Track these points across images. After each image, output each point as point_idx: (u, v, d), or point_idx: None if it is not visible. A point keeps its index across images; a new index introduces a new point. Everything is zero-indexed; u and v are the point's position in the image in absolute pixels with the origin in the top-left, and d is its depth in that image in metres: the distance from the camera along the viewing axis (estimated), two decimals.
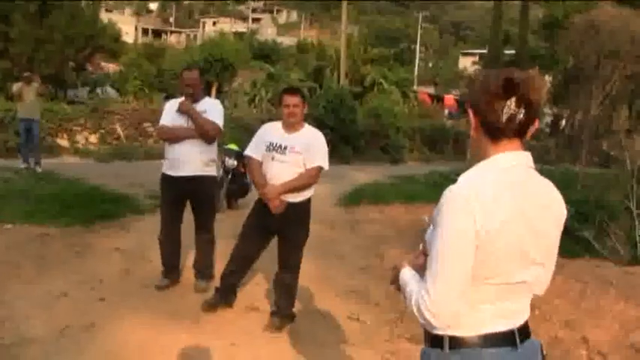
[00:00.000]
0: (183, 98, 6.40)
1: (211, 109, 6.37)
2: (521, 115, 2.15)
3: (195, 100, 6.34)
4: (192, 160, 6.26)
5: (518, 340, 2.22)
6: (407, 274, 2.37)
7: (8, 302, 5.86)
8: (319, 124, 5.51)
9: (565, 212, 2.33)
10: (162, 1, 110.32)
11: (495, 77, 2.19)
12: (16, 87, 14.42)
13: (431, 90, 55.75)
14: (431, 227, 2.31)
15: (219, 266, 6.21)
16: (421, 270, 2.36)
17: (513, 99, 2.14)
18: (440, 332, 2.20)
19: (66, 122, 21.09)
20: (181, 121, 6.30)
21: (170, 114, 6.41)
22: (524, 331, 2.26)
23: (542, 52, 36.27)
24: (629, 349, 5.17)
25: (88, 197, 10.59)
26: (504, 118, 2.16)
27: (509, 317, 2.24)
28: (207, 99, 6.59)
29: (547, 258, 2.29)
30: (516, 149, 2.22)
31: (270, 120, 6.41)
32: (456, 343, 2.20)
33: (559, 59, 31.04)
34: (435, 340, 2.24)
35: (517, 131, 2.20)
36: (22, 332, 5.22)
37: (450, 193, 2.13)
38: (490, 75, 2.23)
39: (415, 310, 2.16)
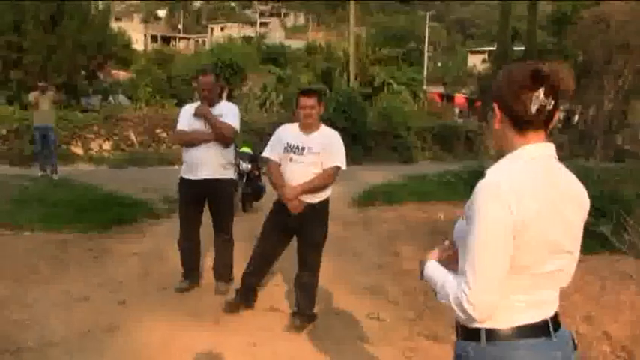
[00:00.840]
0: (198, 103, 6.46)
1: (227, 112, 6.42)
2: (551, 106, 2.18)
3: (212, 104, 6.39)
4: (209, 163, 6.31)
5: (552, 330, 2.25)
6: (434, 266, 2.39)
7: (31, 306, 5.93)
8: (330, 126, 5.59)
9: (589, 203, 2.35)
10: (172, 1, 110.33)
11: (521, 69, 2.21)
12: (32, 96, 14.66)
13: (440, 89, 55.65)
14: (460, 221, 2.34)
15: (238, 268, 6.25)
16: (451, 263, 2.39)
17: (542, 89, 2.17)
18: (476, 325, 2.21)
19: (80, 130, 21.26)
20: (198, 125, 6.36)
21: (187, 118, 6.46)
22: (555, 321, 2.28)
23: (551, 48, 36.11)
24: None
25: (103, 203, 10.67)
26: (534, 109, 2.18)
27: (542, 307, 2.26)
28: (223, 102, 6.64)
29: (575, 247, 2.31)
30: (542, 140, 2.25)
31: (281, 123, 6.44)
32: (492, 335, 2.21)
33: (568, 54, 30.90)
34: (470, 333, 2.25)
35: (543, 122, 2.22)
36: (45, 335, 5.28)
37: (486, 186, 2.14)
38: (514, 68, 2.25)
39: (454, 303, 2.17)
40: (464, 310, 2.13)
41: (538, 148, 2.24)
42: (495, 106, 2.26)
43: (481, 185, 2.15)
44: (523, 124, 2.22)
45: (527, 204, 2.11)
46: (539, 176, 2.19)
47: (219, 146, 6.33)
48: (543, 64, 2.21)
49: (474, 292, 2.10)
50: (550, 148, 2.27)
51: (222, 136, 6.29)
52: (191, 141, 6.37)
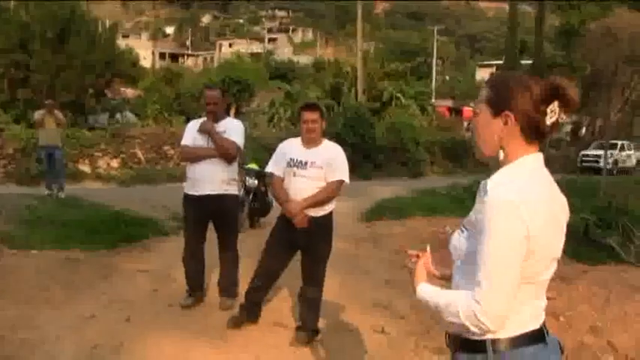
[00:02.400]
0: (204, 118, 6.50)
1: (231, 128, 6.45)
2: (563, 119, 2.24)
3: (216, 120, 6.42)
4: (213, 179, 6.33)
5: (546, 335, 2.29)
6: (428, 289, 2.40)
7: (38, 325, 5.93)
8: (339, 141, 5.63)
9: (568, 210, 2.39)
10: (181, 5, 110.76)
11: (536, 82, 2.25)
12: (37, 115, 14.64)
13: (449, 103, 55.70)
14: (460, 233, 2.36)
15: (244, 284, 6.25)
16: (439, 267, 2.42)
17: (556, 103, 2.22)
18: (481, 337, 2.22)
19: (87, 148, 21.38)
20: (202, 141, 6.38)
21: (191, 134, 6.49)
22: (545, 327, 2.32)
23: (559, 61, 36.15)
24: None
25: (112, 221, 10.70)
26: (550, 122, 2.24)
27: (539, 315, 2.31)
28: (228, 119, 6.67)
29: (560, 254, 2.34)
30: (538, 150, 2.30)
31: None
32: (498, 345, 2.22)
33: (576, 67, 30.93)
34: (475, 346, 2.26)
35: (549, 134, 2.29)
36: (53, 355, 5.29)
37: (502, 203, 2.15)
38: (527, 79, 2.28)
39: (465, 317, 2.17)
40: (477, 323, 2.14)
41: (537, 159, 2.29)
42: (511, 115, 2.26)
43: (495, 200, 2.16)
44: (536, 135, 2.26)
45: (536, 217, 2.14)
46: (543, 188, 2.24)
47: (222, 162, 6.35)
48: (553, 78, 2.26)
49: (489, 303, 2.11)
50: (542, 158, 2.31)
51: (225, 153, 6.31)
52: (194, 157, 6.40)
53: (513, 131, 2.27)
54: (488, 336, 2.21)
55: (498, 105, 2.29)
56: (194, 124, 6.59)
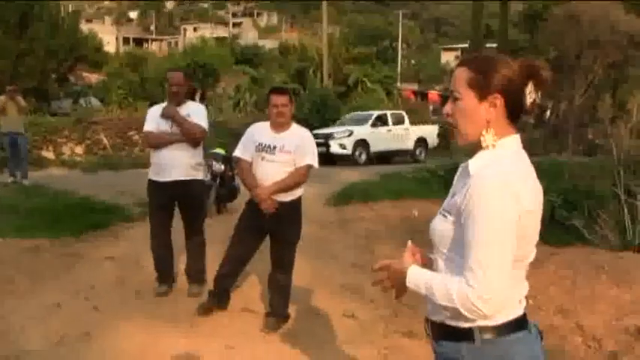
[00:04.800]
0: (166, 104, 6.41)
1: (195, 112, 6.40)
2: (538, 99, 2.22)
3: (179, 104, 6.35)
4: (179, 164, 6.27)
5: (529, 322, 2.27)
6: (418, 272, 2.30)
7: (3, 316, 5.85)
8: (305, 126, 5.61)
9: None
10: (145, 1, 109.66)
11: (517, 64, 2.23)
12: None
13: (414, 86, 55.89)
14: (442, 218, 2.30)
15: (212, 270, 6.20)
16: (425, 266, 2.37)
17: (531, 83, 2.21)
18: (468, 324, 2.17)
19: (51, 134, 21.12)
20: (166, 126, 6.31)
21: (154, 119, 6.41)
22: (526, 312, 2.30)
23: (524, 45, 36.39)
24: (624, 333, 5.21)
25: (77, 208, 10.55)
26: (529, 102, 2.22)
27: (523, 300, 2.29)
28: (190, 103, 6.59)
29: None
30: (515, 132, 2.28)
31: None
32: (486, 333, 2.18)
33: (540, 50, 31.15)
34: (462, 334, 2.21)
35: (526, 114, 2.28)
36: (19, 345, 5.21)
37: (494, 177, 2.11)
38: (509, 60, 2.26)
39: (459, 301, 2.08)
40: (472, 308, 2.06)
41: (516, 140, 2.27)
42: (499, 97, 2.21)
43: (485, 177, 2.12)
44: (519, 114, 2.25)
45: (525, 197, 2.11)
46: (526, 169, 2.22)
47: (188, 147, 6.30)
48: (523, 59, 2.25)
49: (483, 286, 2.04)
50: (519, 140, 2.29)
51: (191, 136, 6.25)
52: (160, 142, 6.32)
53: (499, 114, 2.23)
54: (477, 323, 2.16)
55: (485, 87, 2.23)
56: (156, 110, 6.51)
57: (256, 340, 5.48)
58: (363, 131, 23.70)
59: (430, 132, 26.56)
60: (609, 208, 8.78)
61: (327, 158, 20.47)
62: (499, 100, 2.22)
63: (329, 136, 22.47)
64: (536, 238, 2.24)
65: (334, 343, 5.54)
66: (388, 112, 26.38)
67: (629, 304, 5.59)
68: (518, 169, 2.17)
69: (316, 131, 20.30)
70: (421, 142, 25.99)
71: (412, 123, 26.13)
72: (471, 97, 2.26)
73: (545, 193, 2.37)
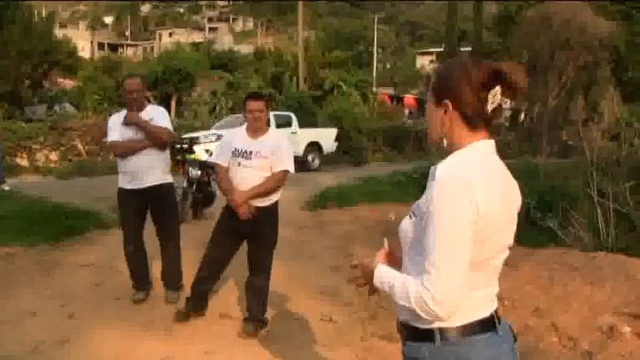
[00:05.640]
0: (126, 111, 6.37)
1: (157, 115, 6.36)
2: (506, 104, 2.23)
3: (140, 109, 6.31)
4: (150, 169, 6.24)
5: (497, 323, 2.28)
6: (385, 270, 2.34)
7: None
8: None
9: (520, 198, 2.39)
10: (121, 1, 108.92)
11: (478, 67, 2.24)
12: None
13: (390, 90, 56.03)
14: (409, 218, 2.33)
15: (189, 275, 6.19)
16: (394, 265, 2.39)
17: (498, 88, 2.21)
18: (429, 325, 2.19)
19: (24, 141, 20.91)
20: (130, 133, 6.26)
21: (117, 128, 6.34)
22: (497, 314, 2.31)
23: (498, 47, 36.65)
24: (598, 331, 5.26)
25: (51, 214, 10.45)
26: (491, 107, 2.23)
27: (490, 302, 2.30)
28: (149, 106, 6.54)
29: (512, 241, 2.34)
30: (487, 137, 2.29)
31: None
32: (446, 334, 2.20)
33: (514, 53, 31.40)
34: (423, 334, 2.23)
35: (492, 119, 2.27)
36: None
37: (447, 182, 2.13)
38: (469, 65, 2.27)
39: (415, 303, 2.11)
40: (427, 309, 2.08)
41: (486, 145, 2.28)
42: (448, 103, 2.26)
43: (443, 181, 2.14)
44: (478, 121, 2.25)
45: (488, 199, 2.12)
46: (493, 172, 2.23)
47: (156, 151, 6.27)
48: (496, 63, 2.25)
49: (439, 289, 2.06)
50: (492, 145, 2.30)
51: (159, 140, 6.23)
52: (128, 150, 6.26)
53: (455, 118, 2.26)
54: (436, 324, 2.18)
55: (439, 94, 2.30)
56: (117, 118, 6.44)
57: (234, 344, 5.49)
58: None
59: (326, 136, 24.08)
60: (583, 209, 8.88)
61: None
62: (448, 107, 2.26)
63: (194, 141, 19.16)
64: (505, 241, 2.27)
65: (312, 346, 5.55)
66: (271, 113, 20.91)
67: (603, 303, 5.65)
68: (481, 171, 2.17)
69: (183, 135, 19.94)
70: (313, 147, 23.08)
71: (307, 125, 23.61)
72: (431, 102, 2.34)
73: (520, 194, 2.40)
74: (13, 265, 7.69)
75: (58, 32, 46.16)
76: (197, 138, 19.93)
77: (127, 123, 6.28)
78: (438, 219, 2.10)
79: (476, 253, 2.13)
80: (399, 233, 2.37)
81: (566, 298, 5.84)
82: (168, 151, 6.51)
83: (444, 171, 2.19)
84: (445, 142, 2.30)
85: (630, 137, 10.85)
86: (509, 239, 2.29)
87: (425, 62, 72.03)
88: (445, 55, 36.65)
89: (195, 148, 19.40)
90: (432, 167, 2.29)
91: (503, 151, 2.32)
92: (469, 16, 42.79)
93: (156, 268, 6.88)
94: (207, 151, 20.82)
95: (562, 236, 8.39)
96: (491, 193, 2.15)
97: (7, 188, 13.80)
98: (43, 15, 29.98)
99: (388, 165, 23.73)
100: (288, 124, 22.35)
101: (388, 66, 76.94)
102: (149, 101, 6.77)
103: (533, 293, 6.11)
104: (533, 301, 5.96)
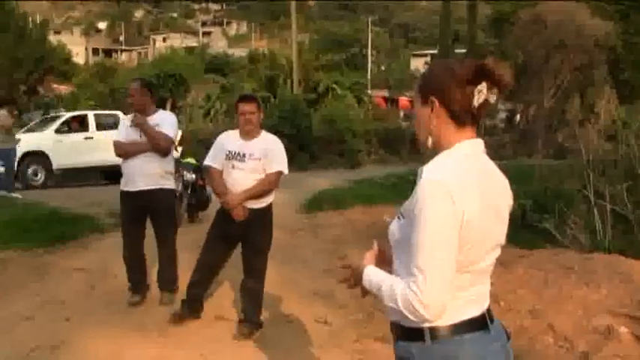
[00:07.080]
0: (135, 113, 6.40)
1: (164, 121, 6.38)
2: (493, 100, 2.22)
3: (147, 113, 6.32)
4: (147, 173, 6.24)
5: (489, 322, 2.27)
6: (374, 271, 2.34)
7: None
8: (275, 133, 5.63)
9: (512, 197, 2.38)
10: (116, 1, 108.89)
11: (461, 64, 2.25)
12: None
13: (385, 93, 56.02)
14: (397, 220, 2.32)
15: (184, 278, 6.18)
16: (385, 266, 2.38)
17: (484, 84, 2.20)
18: (419, 325, 2.19)
19: None
20: (135, 136, 6.30)
21: (124, 129, 6.43)
22: (490, 313, 2.31)
23: (492, 49, 36.67)
24: (593, 332, 5.25)
25: (46, 219, 10.43)
26: (477, 103, 2.21)
27: (480, 301, 2.28)
28: (160, 112, 6.60)
29: (504, 240, 2.33)
30: (475, 136, 2.28)
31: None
32: (436, 333, 2.19)
33: (508, 54, 31.45)
34: (413, 334, 2.23)
35: (478, 117, 2.25)
36: None
37: (433, 183, 2.13)
38: (452, 62, 2.29)
39: (402, 306, 2.11)
40: (414, 311, 2.09)
41: (473, 145, 2.27)
42: (435, 100, 2.25)
43: (427, 183, 2.14)
44: (465, 118, 2.24)
45: (472, 201, 2.12)
46: (478, 173, 2.21)
47: (157, 156, 6.27)
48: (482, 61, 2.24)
49: (425, 291, 2.06)
50: (481, 144, 2.30)
51: (157, 146, 6.22)
52: (128, 152, 6.30)
53: (441, 116, 2.26)
54: (426, 324, 2.18)
55: (425, 92, 2.30)
56: (126, 120, 6.54)
57: (228, 347, 5.47)
58: (37, 139, 17.59)
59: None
60: (579, 210, 8.88)
61: None
62: (434, 104, 2.26)
63: None
64: (493, 242, 2.26)
65: (307, 348, 5.54)
66: (90, 113, 19.66)
67: (598, 304, 5.64)
68: (464, 173, 2.17)
69: None
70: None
71: None
72: (417, 102, 2.34)
73: (516, 196, 2.38)
74: (7, 270, 7.70)
75: (53, 39, 46.11)
76: None
77: (132, 125, 6.33)
78: (421, 221, 2.11)
79: (462, 256, 2.14)
80: (389, 235, 2.37)
81: (561, 299, 5.83)
82: (171, 158, 6.51)
83: (428, 172, 2.19)
84: (430, 141, 2.30)
85: (627, 138, 10.84)
86: (499, 239, 2.29)
87: (419, 64, 71.97)
88: (439, 56, 36.63)
89: None
90: (420, 169, 2.28)
91: (498, 153, 2.30)
92: (463, 18, 42.83)
93: (152, 271, 6.87)
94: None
95: (558, 237, 8.38)
96: (473, 193, 2.14)
97: (20, 196, 13.51)
98: (38, 22, 29.92)
99: (383, 167, 23.71)
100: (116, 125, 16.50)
101: (383, 68, 76.95)
102: (160, 106, 6.76)
103: (528, 294, 6.09)
104: (529, 302, 5.94)
